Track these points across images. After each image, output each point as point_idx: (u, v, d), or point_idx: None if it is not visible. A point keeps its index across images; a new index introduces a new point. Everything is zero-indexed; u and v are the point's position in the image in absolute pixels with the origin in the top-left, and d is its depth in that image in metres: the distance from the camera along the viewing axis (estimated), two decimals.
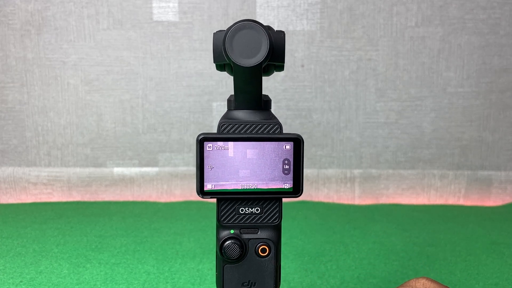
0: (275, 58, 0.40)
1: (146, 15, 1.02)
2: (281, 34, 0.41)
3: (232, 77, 0.41)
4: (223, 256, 0.43)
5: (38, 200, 1.06)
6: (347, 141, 1.07)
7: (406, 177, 1.08)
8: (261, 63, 0.39)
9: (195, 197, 1.06)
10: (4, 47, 1.02)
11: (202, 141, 0.41)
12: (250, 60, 0.38)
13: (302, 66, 1.04)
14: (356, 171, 1.08)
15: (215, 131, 1.04)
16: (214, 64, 0.42)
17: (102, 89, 1.04)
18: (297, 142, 0.42)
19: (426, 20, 1.03)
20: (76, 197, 1.07)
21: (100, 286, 0.66)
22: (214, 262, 0.73)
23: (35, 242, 0.81)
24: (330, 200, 1.08)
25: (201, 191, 0.42)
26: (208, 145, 0.41)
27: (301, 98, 1.05)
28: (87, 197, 1.07)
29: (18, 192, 1.06)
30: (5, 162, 1.06)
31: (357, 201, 1.08)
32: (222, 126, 0.42)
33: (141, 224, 0.90)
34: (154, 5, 1.01)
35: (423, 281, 0.48)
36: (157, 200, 1.07)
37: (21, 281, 0.67)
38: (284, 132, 0.42)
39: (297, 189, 0.43)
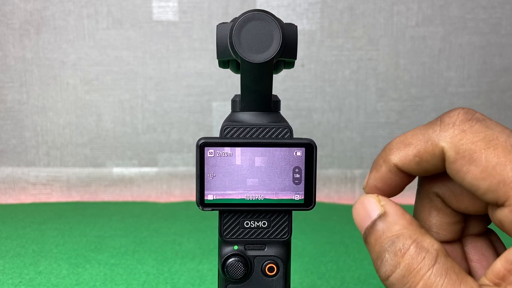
0: (286, 54, 0.36)
1: (145, 15, 1.01)
2: (293, 27, 0.36)
3: (234, 76, 0.38)
4: (225, 275, 0.38)
5: (37, 201, 1.06)
6: (347, 141, 1.07)
7: None
8: (272, 59, 0.34)
9: (194, 197, 1.06)
10: (3, 46, 1.02)
11: (202, 146, 0.37)
12: (261, 56, 0.34)
13: (302, 65, 1.04)
14: (357, 171, 1.07)
15: (215, 132, 1.03)
16: (215, 63, 0.39)
17: (102, 89, 1.04)
18: (309, 148, 0.37)
19: (427, 19, 1.03)
20: (75, 197, 1.06)
21: (100, 286, 0.65)
22: (214, 263, 0.73)
23: (34, 243, 0.81)
24: (330, 201, 1.08)
25: (201, 202, 0.38)
26: (210, 151, 0.37)
27: (301, 98, 1.05)
28: (86, 197, 1.06)
29: (17, 192, 1.06)
30: (4, 162, 1.06)
31: None
32: (225, 129, 0.37)
33: (141, 225, 0.90)
34: (153, 4, 1.01)
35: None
36: (157, 200, 1.07)
37: (20, 282, 0.66)
38: (295, 137, 0.38)
39: (309, 201, 0.38)
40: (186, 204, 1.04)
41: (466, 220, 0.31)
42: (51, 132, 1.05)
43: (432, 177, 0.30)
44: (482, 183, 0.25)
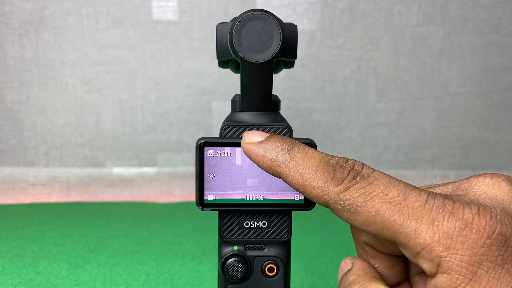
0: (286, 53, 0.36)
1: (145, 14, 1.01)
2: (293, 27, 0.36)
3: (234, 76, 0.38)
4: (225, 276, 0.38)
5: (37, 201, 1.05)
6: (347, 141, 1.07)
7: (407, 178, 1.07)
8: (272, 59, 0.34)
9: (194, 197, 1.05)
10: (2, 46, 1.01)
11: (202, 146, 0.37)
12: (261, 55, 0.34)
13: (303, 65, 1.04)
14: None
15: (215, 132, 1.03)
16: (215, 63, 0.39)
17: (101, 88, 1.04)
18: None
19: (427, 19, 1.02)
20: (75, 197, 1.06)
21: (99, 287, 0.65)
22: (214, 263, 0.73)
23: (34, 243, 0.80)
24: None
25: (200, 202, 0.38)
26: (209, 151, 0.37)
27: (301, 98, 1.05)
28: (86, 198, 1.06)
29: (16, 193, 1.05)
30: (3, 162, 1.05)
31: None
32: (225, 129, 0.37)
33: (140, 225, 0.90)
34: (153, 4, 1.01)
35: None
36: (156, 200, 1.07)
37: (19, 282, 0.66)
38: (294, 137, 0.37)
39: (309, 201, 0.38)
40: (186, 204, 1.04)
41: (407, 260, 0.34)
42: (50, 132, 1.05)
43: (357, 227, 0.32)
44: (369, 229, 0.29)
